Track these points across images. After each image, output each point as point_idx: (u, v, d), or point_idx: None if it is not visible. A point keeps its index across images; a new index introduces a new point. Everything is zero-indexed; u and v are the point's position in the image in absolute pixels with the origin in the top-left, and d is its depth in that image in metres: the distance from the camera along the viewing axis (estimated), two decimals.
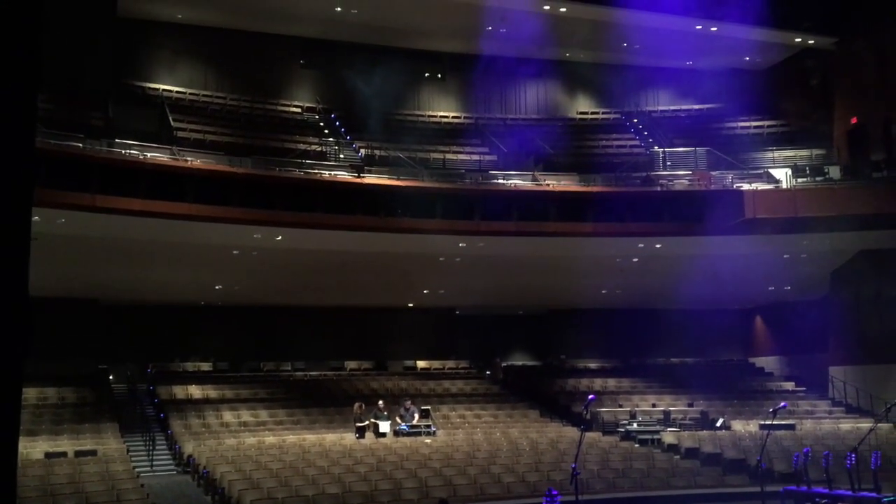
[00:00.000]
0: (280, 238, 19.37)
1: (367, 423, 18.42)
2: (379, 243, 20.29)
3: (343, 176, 20.47)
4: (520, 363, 28.59)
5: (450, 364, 28.34)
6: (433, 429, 18.94)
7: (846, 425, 20.37)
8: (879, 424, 19.10)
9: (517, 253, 21.75)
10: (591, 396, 10.66)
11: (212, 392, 22.65)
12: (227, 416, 20.38)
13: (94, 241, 18.64)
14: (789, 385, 25.56)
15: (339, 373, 26.56)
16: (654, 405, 22.98)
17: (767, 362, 28.25)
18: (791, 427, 19.82)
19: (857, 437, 11.32)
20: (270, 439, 17.99)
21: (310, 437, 18.27)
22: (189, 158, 18.88)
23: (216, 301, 25.26)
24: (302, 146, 22.07)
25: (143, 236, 18.58)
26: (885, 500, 8.59)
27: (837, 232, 19.74)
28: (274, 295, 24.81)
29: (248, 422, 20.10)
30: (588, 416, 8.10)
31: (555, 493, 6.33)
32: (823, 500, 9.12)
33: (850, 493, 9.03)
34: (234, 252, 20.06)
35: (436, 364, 28.19)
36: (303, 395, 23.07)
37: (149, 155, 18.58)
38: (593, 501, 13.70)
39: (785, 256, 22.03)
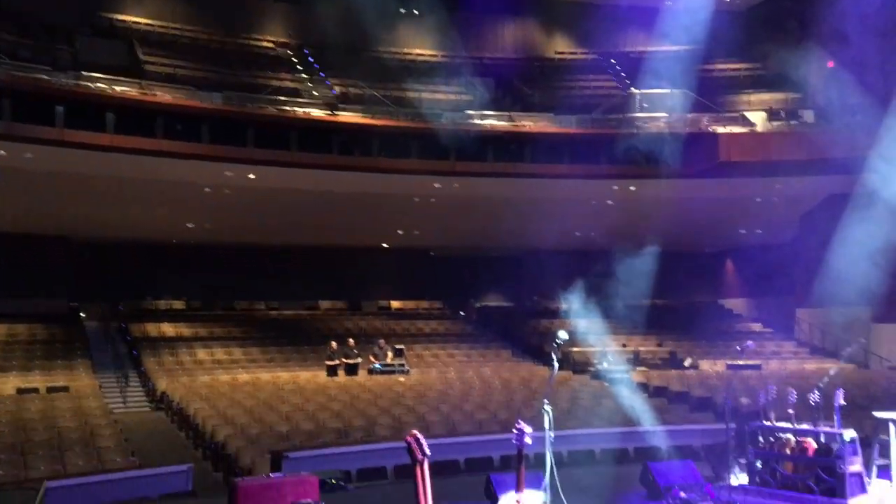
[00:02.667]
0: (252, 176, 19.12)
1: (337, 361, 18.56)
2: (353, 183, 20.11)
3: (316, 113, 20.13)
4: (493, 304, 28.81)
5: (423, 304, 28.49)
6: (406, 368, 19.12)
7: (811, 366, 20.88)
8: (843, 365, 19.65)
9: (492, 194, 21.70)
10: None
11: (185, 330, 22.62)
12: (201, 353, 20.40)
13: (63, 176, 18.29)
14: (757, 326, 26.09)
15: (312, 312, 26.61)
16: (624, 345, 23.36)
17: (736, 304, 28.74)
18: (757, 367, 20.26)
19: (820, 377, 11.58)
20: (244, 377, 18.08)
21: (283, 375, 18.39)
22: (158, 93, 18.44)
23: (188, 239, 25.03)
24: (274, 82, 21.60)
25: (113, 172, 18.25)
26: (847, 436, 8.83)
27: (810, 176, 19.88)
28: (247, 234, 24.62)
29: (221, 360, 20.14)
30: (559, 356, 8.17)
31: (521, 427, 6.39)
32: (786, 436, 9.36)
33: (812, 429, 9.27)
34: (206, 190, 19.80)
35: (410, 304, 28.34)
36: (277, 333, 23.12)
37: (117, 89, 18.10)
38: (564, 437, 13.98)
39: (757, 200, 22.21)
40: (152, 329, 22.23)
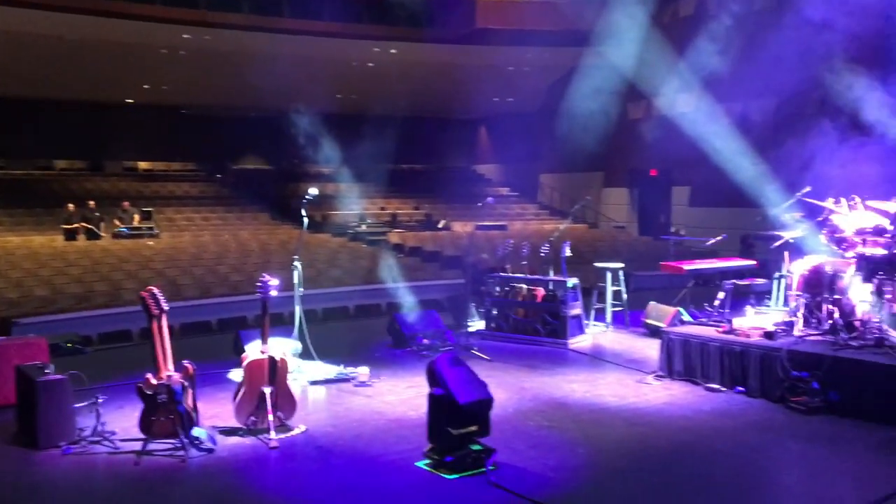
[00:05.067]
0: None
1: (76, 225, 17.23)
2: (89, 29, 18.09)
3: None
4: (252, 166, 27.99)
5: (175, 166, 27.02)
6: (156, 231, 18.23)
7: (549, 225, 22.68)
8: (574, 224, 21.59)
9: (248, 49, 20.56)
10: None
11: None
12: None
13: None
14: (505, 190, 27.75)
15: (46, 172, 24.26)
16: (382, 208, 23.89)
17: (488, 170, 30.28)
18: (503, 227, 21.71)
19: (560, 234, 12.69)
20: None
21: (14, 240, 16.75)
22: None
23: None
24: None
25: None
26: (570, 283, 9.82)
27: (557, 47, 20.86)
28: None
29: None
30: (307, 214, 8.18)
31: (266, 280, 6.38)
32: (519, 285, 10.23)
33: (542, 278, 10.20)
34: None
35: (159, 165, 26.75)
36: (4, 194, 20.83)
37: None
38: (320, 295, 14.24)
39: (510, 69, 23.06)
40: None
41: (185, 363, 5.97)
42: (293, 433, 6.27)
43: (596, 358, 9.19)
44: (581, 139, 19.20)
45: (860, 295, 7.32)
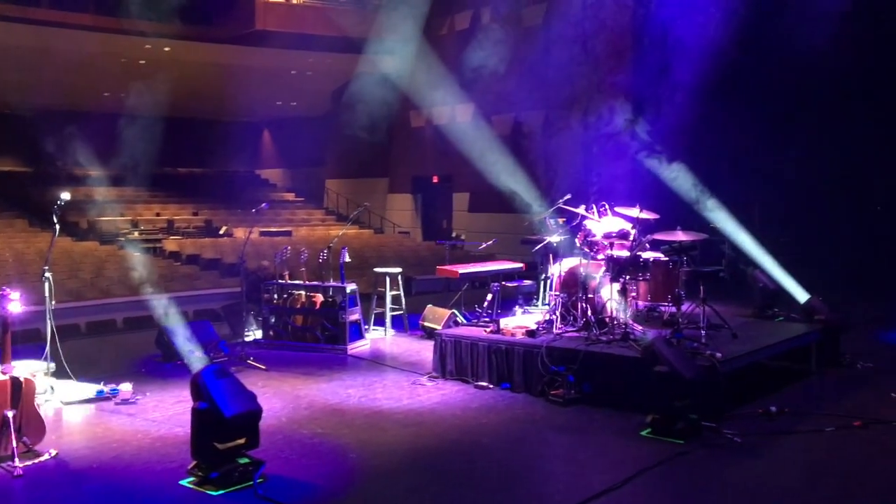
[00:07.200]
0: None
1: None
2: None
3: None
4: (6, 168, 25.48)
5: None
6: None
7: (335, 231, 22.67)
8: (360, 230, 21.77)
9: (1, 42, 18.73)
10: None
11: None
12: None
13: None
14: (290, 196, 27.37)
15: None
16: (158, 214, 22.68)
17: (273, 174, 29.73)
18: (288, 234, 21.41)
19: (342, 239, 12.69)
20: None
21: None
22: None
23: None
24: None
25: None
26: (348, 289, 9.84)
27: (337, 53, 20.89)
28: None
29: None
30: (58, 218, 7.61)
31: (5, 293, 5.83)
32: (298, 292, 10.09)
33: (320, 284, 10.16)
34: None
35: None
36: None
37: None
38: (79, 309, 13.25)
39: (292, 73, 22.78)
40: None
41: None
42: (42, 459, 5.77)
43: (374, 362, 9.28)
44: (365, 145, 19.36)
45: (609, 293, 7.97)
